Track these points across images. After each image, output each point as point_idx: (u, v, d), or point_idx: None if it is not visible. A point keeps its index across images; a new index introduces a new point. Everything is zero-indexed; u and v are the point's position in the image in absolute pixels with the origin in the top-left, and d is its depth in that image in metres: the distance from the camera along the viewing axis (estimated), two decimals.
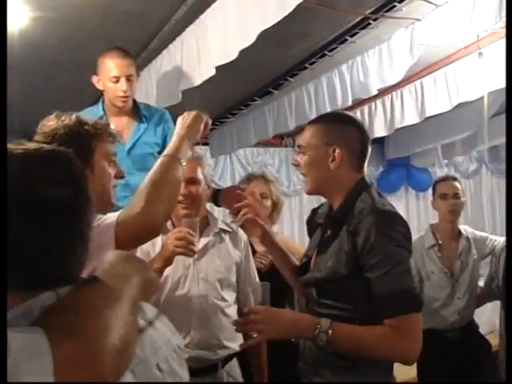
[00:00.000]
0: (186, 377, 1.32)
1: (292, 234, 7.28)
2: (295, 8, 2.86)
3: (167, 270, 2.78)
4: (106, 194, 2.05)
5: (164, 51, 4.13)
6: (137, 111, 3.77)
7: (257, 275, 3.26)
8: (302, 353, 2.46)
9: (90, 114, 3.23)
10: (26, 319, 0.98)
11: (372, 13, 3.85)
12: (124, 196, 3.19)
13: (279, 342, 2.47)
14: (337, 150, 2.29)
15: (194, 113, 2.27)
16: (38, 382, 0.86)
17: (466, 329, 4.24)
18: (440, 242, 4.34)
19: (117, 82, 3.54)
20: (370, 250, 2.09)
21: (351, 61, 4.65)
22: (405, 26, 4.06)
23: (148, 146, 3.74)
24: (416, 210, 8.20)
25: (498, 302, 4.18)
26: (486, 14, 3.37)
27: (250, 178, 4.03)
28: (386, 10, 3.79)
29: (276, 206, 3.93)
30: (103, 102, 3.73)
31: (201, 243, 2.93)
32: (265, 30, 3.03)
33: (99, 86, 3.64)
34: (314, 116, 5.09)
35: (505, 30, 2.42)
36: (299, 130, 6.31)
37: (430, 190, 7.69)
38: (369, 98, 5.32)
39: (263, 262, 3.56)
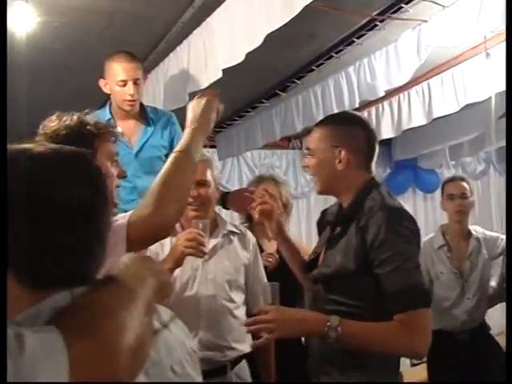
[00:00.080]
0: (199, 380, 1.33)
1: (299, 235, 7.25)
2: (302, 10, 2.86)
3: (176, 272, 2.79)
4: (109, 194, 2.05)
5: (171, 54, 4.14)
6: (144, 114, 3.78)
7: (265, 276, 3.26)
8: (310, 351, 2.49)
9: (97, 118, 3.24)
10: (41, 319, 0.98)
11: (379, 14, 3.85)
12: (131, 199, 3.20)
13: (287, 341, 2.47)
14: (343, 152, 2.34)
15: (203, 101, 2.14)
16: (54, 382, 0.86)
17: (477, 330, 4.22)
18: (449, 242, 4.33)
19: (124, 85, 3.55)
20: (379, 246, 2.13)
21: (358, 62, 4.65)
22: (412, 28, 4.06)
23: (155, 149, 3.74)
24: (424, 212, 8.17)
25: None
26: (493, 15, 3.36)
27: (259, 180, 4.03)
28: (392, 11, 3.79)
29: (286, 208, 3.91)
30: (110, 105, 3.73)
31: (209, 245, 2.94)
32: (271, 32, 3.03)
33: (106, 90, 3.65)
34: (321, 118, 5.08)
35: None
36: (306, 132, 6.31)
37: (438, 192, 7.71)
38: (376, 100, 5.31)
39: (269, 259, 3.57)
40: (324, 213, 2.72)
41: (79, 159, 1.17)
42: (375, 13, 3.84)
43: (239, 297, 3.09)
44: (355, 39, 4.21)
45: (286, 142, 7.45)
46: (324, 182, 2.45)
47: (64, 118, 1.96)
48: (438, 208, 7.88)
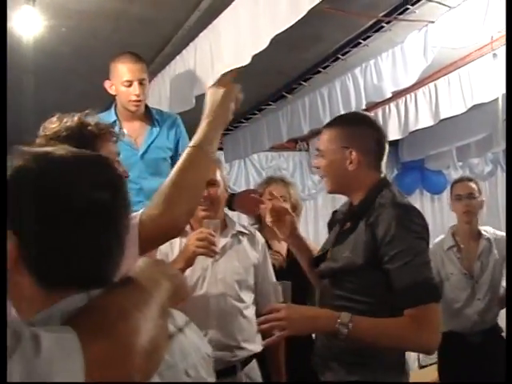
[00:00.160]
0: None
1: (306, 237, 7.24)
2: (308, 12, 2.86)
3: (185, 272, 2.79)
4: None
5: (177, 57, 4.14)
6: (149, 116, 3.78)
7: (274, 276, 3.27)
8: (316, 347, 2.51)
9: (103, 120, 3.25)
10: (56, 320, 0.99)
11: (385, 16, 3.84)
12: (138, 201, 3.20)
13: (296, 339, 2.48)
14: (353, 153, 2.37)
15: (221, 91, 2.02)
16: (71, 382, 0.87)
17: (489, 332, 4.19)
18: (459, 243, 4.31)
19: (129, 86, 3.55)
20: (389, 242, 2.16)
21: (364, 64, 4.64)
22: (418, 29, 4.05)
23: (161, 151, 3.75)
24: (431, 213, 8.14)
25: None
26: (500, 16, 3.36)
27: (268, 181, 4.04)
28: (399, 12, 3.78)
29: (295, 209, 3.92)
30: (115, 107, 3.74)
31: (219, 245, 2.94)
32: (278, 35, 3.03)
33: (111, 91, 3.65)
34: (327, 120, 5.06)
35: None
36: (313, 134, 6.33)
37: (445, 193, 7.70)
38: (383, 101, 5.30)
39: (276, 257, 3.57)
40: (334, 213, 2.75)
41: (99, 163, 1.18)
42: (381, 14, 3.84)
43: (249, 297, 3.10)
44: (361, 41, 4.21)
45: (293, 144, 7.44)
46: (335, 182, 2.48)
47: (65, 120, 1.96)
48: (446, 209, 7.90)
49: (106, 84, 3.64)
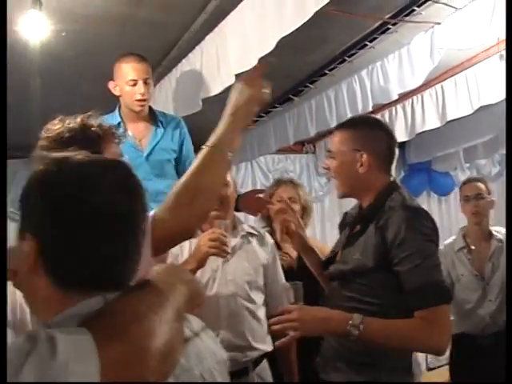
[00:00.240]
0: None
1: (314, 238, 7.25)
2: (314, 14, 2.86)
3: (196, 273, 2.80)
4: None
5: (184, 60, 4.14)
6: (154, 117, 3.78)
7: (283, 277, 3.28)
8: (323, 348, 2.54)
9: (106, 122, 3.25)
10: (74, 322, 1.00)
11: (391, 17, 3.84)
12: None
13: (309, 340, 2.49)
14: (364, 156, 2.40)
15: (248, 92, 1.91)
16: (87, 382, 0.89)
17: (501, 334, 4.16)
18: (470, 244, 4.29)
19: (134, 85, 3.54)
20: (399, 244, 2.19)
21: (371, 66, 4.64)
22: (424, 30, 4.05)
23: (165, 152, 3.75)
24: (438, 215, 8.10)
25: None
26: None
27: (278, 183, 4.06)
28: (405, 14, 3.77)
29: (305, 210, 3.95)
30: (119, 108, 3.73)
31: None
32: (284, 37, 3.04)
33: (116, 92, 3.64)
34: (334, 122, 5.10)
35: None
36: (320, 136, 6.32)
37: (452, 195, 7.67)
38: (389, 103, 5.30)
39: (284, 258, 3.57)
40: (345, 215, 2.77)
41: (118, 167, 1.19)
42: (387, 16, 3.83)
43: (259, 297, 3.11)
44: (368, 43, 4.20)
45: (300, 147, 7.44)
46: (345, 185, 2.51)
47: (67, 121, 1.95)
48: (453, 211, 7.88)
49: (110, 85, 3.63)
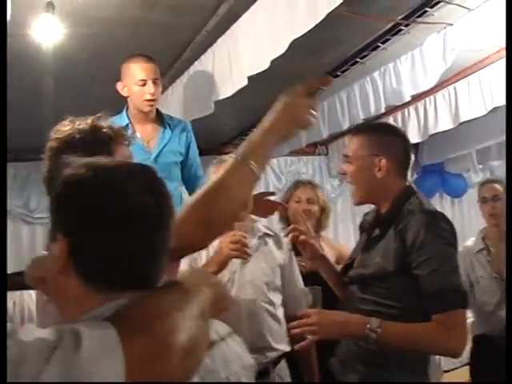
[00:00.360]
0: None
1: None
2: (326, 16, 2.86)
3: None
4: None
5: (196, 62, 4.15)
6: (161, 119, 3.77)
7: (300, 278, 3.28)
8: (341, 351, 2.56)
9: (111, 122, 3.23)
10: (101, 320, 1.02)
11: (403, 19, 3.83)
12: None
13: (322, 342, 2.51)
14: (383, 160, 2.43)
15: (292, 110, 1.75)
16: (112, 382, 0.90)
17: None
18: (489, 246, 4.26)
19: (143, 85, 3.53)
20: (419, 248, 2.21)
21: (383, 67, 4.64)
22: (437, 31, 4.04)
23: (172, 155, 3.75)
24: (451, 217, 8.05)
25: None
26: None
27: (296, 185, 4.09)
28: (417, 15, 3.76)
29: (324, 211, 3.98)
30: (127, 109, 3.72)
31: None
32: (296, 39, 3.04)
33: (124, 93, 3.62)
34: (347, 124, 5.10)
35: None
36: (332, 138, 6.32)
37: (466, 196, 7.63)
38: (402, 105, 5.29)
39: (303, 264, 3.57)
40: (365, 216, 2.79)
41: (144, 171, 1.22)
42: (400, 17, 3.82)
43: (277, 297, 3.11)
44: (380, 44, 4.20)
45: (312, 149, 7.43)
46: (362, 190, 2.52)
47: (77, 123, 1.94)
48: (466, 212, 7.85)
49: (118, 86, 3.62)
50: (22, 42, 3.47)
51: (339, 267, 2.82)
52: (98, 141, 1.91)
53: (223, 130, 6.14)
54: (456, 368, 4.95)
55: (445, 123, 5.17)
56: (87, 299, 1.09)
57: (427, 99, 5.34)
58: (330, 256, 3.04)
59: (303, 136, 5.73)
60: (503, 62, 4.46)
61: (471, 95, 4.86)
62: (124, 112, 3.70)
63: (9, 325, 0.95)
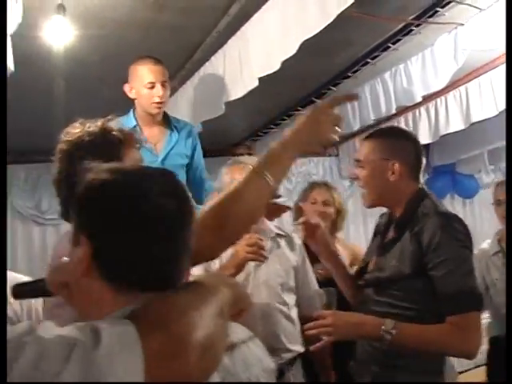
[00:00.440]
0: None
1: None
2: (337, 17, 2.86)
3: None
4: None
5: (206, 63, 4.15)
6: (168, 122, 3.77)
7: (314, 278, 3.28)
8: (357, 353, 2.57)
9: (121, 125, 3.23)
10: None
11: (414, 19, 3.82)
12: None
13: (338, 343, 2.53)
14: (396, 164, 2.45)
15: (314, 128, 1.71)
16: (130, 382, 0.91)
17: None
18: (504, 248, 4.24)
19: (152, 87, 3.52)
20: (435, 250, 2.24)
21: (394, 68, 4.63)
22: (448, 32, 4.03)
23: (179, 157, 3.75)
24: (463, 218, 7.91)
25: None
26: None
27: (312, 186, 4.08)
28: (428, 15, 3.76)
29: (340, 213, 3.96)
30: (134, 111, 3.71)
31: None
32: (307, 40, 3.03)
33: (131, 95, 3.62)
34: (357, 125, 5.09)
35: None
36: (343, 139, 6.30)
37: (477, 197, 7.60)
38: (413, 105, 5.27)
39: (319, 271, 3.56)
40: (380, 218, 2.79)
41: (165, 175, 1.24)
42: (411, 18, 3.82)
43: (291, 298, 3.11)
44: (391, 45, 4.19)
45: (323, 150, 7.41)
46: (375, 193, 2.54)
47: (87, 125, 1.94)
48: (477, 214, 7.81)
49: (126, 88, 3.61)
50: (33, 44, 3.48)
51: (354, 269, 2.84)
52: (107, 144, 1.91)
53: (234, 131, 6.16)
54: (470, 369, 4.93)
55: (456, 124, 5.15)
56: (110, 301, 1.11)
57: (438, 100, 5.32)
58: (345, 256, 3.04)
59: None
60: None
61: (482, 95, 4.84)
62: (131, 113, 3.70)
63: (27, 322, 0.98)
